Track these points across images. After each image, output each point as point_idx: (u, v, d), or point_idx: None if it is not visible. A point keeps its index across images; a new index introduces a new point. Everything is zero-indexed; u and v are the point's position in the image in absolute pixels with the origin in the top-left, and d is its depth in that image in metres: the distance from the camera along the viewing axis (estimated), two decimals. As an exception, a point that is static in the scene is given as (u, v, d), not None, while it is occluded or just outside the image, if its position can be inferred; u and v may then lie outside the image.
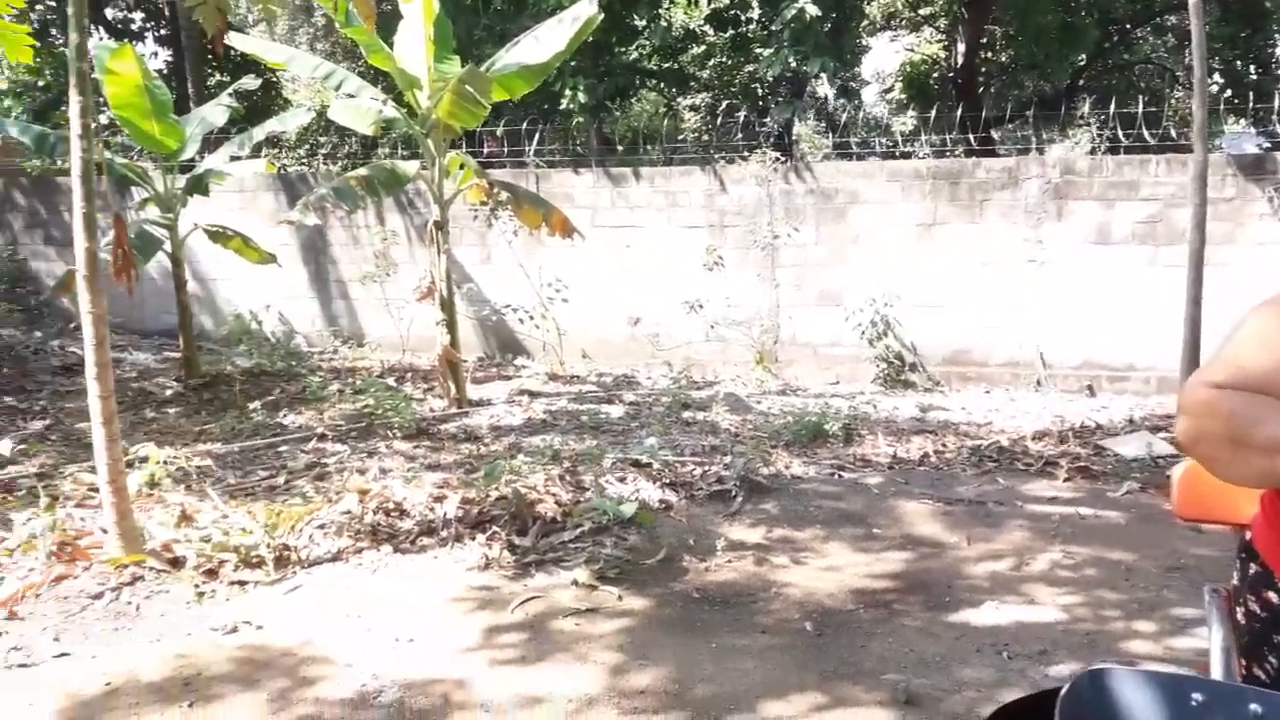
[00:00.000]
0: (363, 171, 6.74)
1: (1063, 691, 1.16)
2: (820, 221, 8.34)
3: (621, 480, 4.76)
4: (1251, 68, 14.98)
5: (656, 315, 8.58)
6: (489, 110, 6.56)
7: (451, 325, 6.85)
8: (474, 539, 4.00)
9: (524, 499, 4.21)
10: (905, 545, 4.15)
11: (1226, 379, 1.30)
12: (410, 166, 7.01)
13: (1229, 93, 14.53)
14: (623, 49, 11.81)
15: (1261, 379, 1.28)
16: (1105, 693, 1.18)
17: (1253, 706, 1.08)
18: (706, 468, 5.08)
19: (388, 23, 7.45)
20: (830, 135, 10.58)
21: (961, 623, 3.38)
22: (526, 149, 9.02)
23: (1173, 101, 14.95)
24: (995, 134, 13.58)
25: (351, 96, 6.87)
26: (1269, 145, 8.13)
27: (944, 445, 5.71)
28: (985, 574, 3.81)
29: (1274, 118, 8.29)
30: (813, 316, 8.37)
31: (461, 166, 7.14)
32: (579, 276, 8.61)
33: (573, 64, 9.71)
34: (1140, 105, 8.35)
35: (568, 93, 10.21)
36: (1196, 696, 1.12)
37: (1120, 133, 8.33)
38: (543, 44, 6.61)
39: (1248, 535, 1.48)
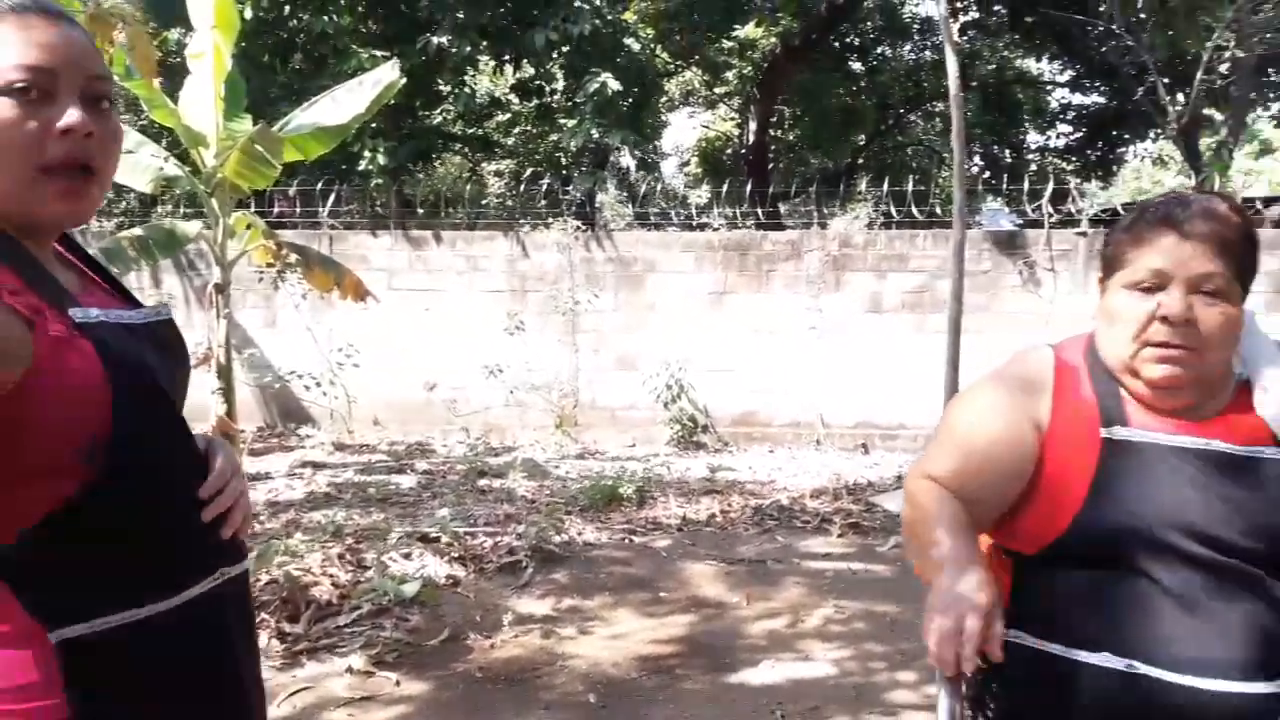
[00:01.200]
0: (137, 231, 6.34)
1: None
2: (620, 288, 8.54)
3: (407, 557, 4.60)
4: (1006, 152, 16.69)
5: (455, 380, 8.47)
6: (279, 170, 6.36)
7: (229, 393, 6.50)
8: (241, 625, 3.75)
9: (297, 582, 4.00)
10: (689, 608, 4.22)
11: (941, 471, 1.43)
12: (192, 226, 6.65)
13: (987, 174, 16.12)
14: (426, 113, 11.78)
15: (980, 457, 1.41)
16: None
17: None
18: (498, 538, 5.01)
19: (176, 76, 7.12)
20: (631, 205, 10.91)
21: (740, 683, 3.46)
22: (321, 209, 8.78)
23: (940, 180, 16.38)
24: (783, 207, 14.40)
25: (130, 152, 6.47)
26: (1021, 223, 9.02)
27: (729, 505, 5.89)
28: (763, 633, 3.93)
29: (1025, 198, 9.20)
30: (611, 380, 8.50)
31: (248, 227, 6.85)
32: (373, 341, 8.39)
33: (373, 125, 9.58)
34: (910, 184, 9.09)
35: (367, 154, 10.05)
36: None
37: (893, 209, 9.02)
38: (341, 106, 6.49)
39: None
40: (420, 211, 10.08)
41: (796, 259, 8.47)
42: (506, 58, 10.66)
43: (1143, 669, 1.27)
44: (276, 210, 9.11)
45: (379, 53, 9.14)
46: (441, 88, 11.14)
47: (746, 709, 3.26)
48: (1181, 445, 1.33)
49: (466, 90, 10.72)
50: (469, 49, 9.49)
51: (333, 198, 8.82)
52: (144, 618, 1.06)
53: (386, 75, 6.52)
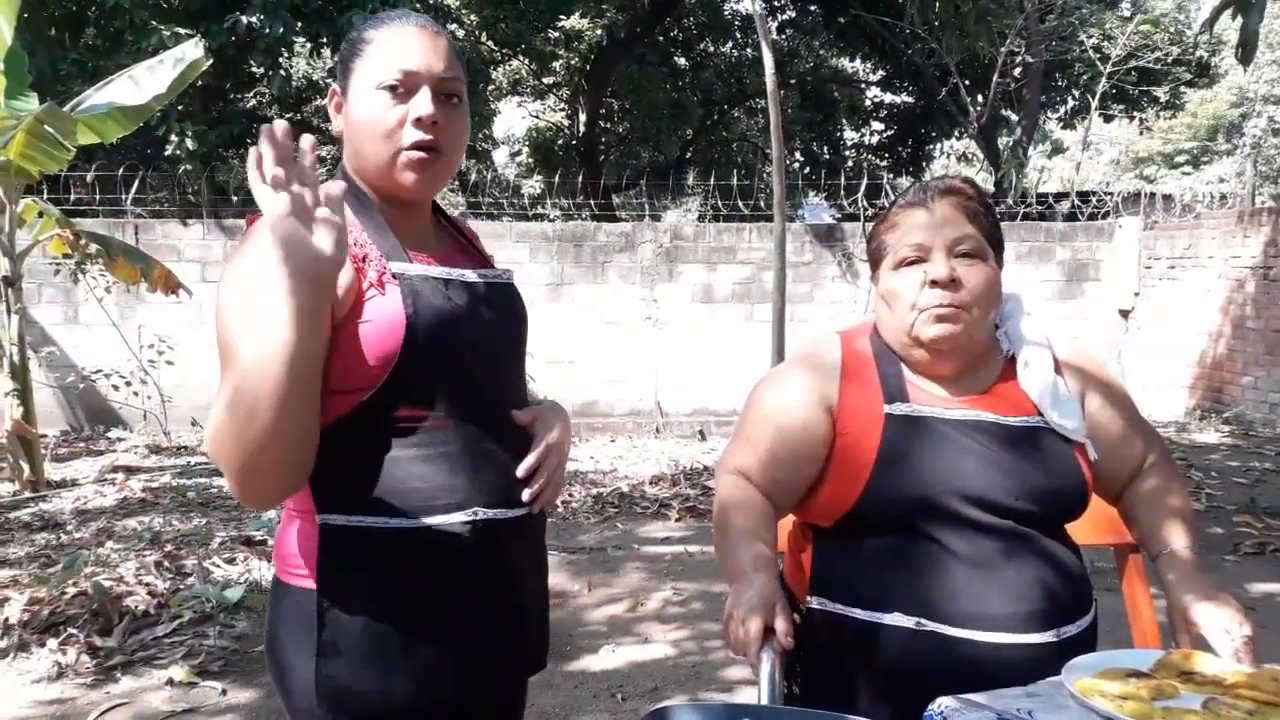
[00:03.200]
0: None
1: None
2: (450, 279, 8.38)
3: (231, 561, 4.38)
4: (825, 149, 17.43)
5: (279, 377, 8.08)
6: (73, 153, 5.88)
7: (25, 395, 5.97)
8: (44, 645, 3.47)
9: (109, 593, 3.73)
10: (531, 599, 4.22)
11: (745, 464, 1.53)
12: (-30, 215, 6.06)
13: (808, 169, 16.79)
14: (238, 96, 11.16)
15: (768, 450, 1.50)
16: (665, 729, 1.26)
17: (790, 724, 1.21)
18: (330, 537, 4.84)
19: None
20: (463, 194, 10.73)
21: (580, 670, 3.48)
22: (124, 197, 8.18)
23: (764, 175, 16.95)
24: (616, 199, 14.54)
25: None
26: (840, 217, 9.46)
27: (571, 495, 5.92)
28: (604, 619, 3.97)
29: (843, 192, 9.66)
30: (446, 374, 8.35)
31: (40, 215, 6.31)
32: (189, 337, 7.89)
33: (180, 108, 9.00)
34: (736, 178, 9.37)
35: (174, 138, 9.42)
36: (745, 721, 1.23)
37: (720, 203, 9.27)
38: (141, 85, 6.06)
39: (781, 564, 1.67)
40: (235, 199, 9.55)
41: (631, 250, 8.58)
42: (324, 40, 10.22)
43: (930, 626, 1.38)
44: (74, 198, 8.43)
45: (182, 30, 8.57)
46: (254, 69, 10.58)
47: (587, 695, 3.29)
48: (957, 418, 1.45)
49: (281, 73, 10.22)
50: (282, 29, 9.03)
51: (136, 184, 8.24)
52: (391, 527, 1.25)
53: (190, 53, 6.14)
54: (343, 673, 1.27)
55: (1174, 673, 1.26)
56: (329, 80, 13.13)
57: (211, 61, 6.70)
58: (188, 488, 6.04)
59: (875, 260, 1.54)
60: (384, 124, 1.29)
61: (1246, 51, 3.58)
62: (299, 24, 9.58)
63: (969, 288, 1.44)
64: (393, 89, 1.29)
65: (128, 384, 7.73)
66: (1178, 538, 1.48)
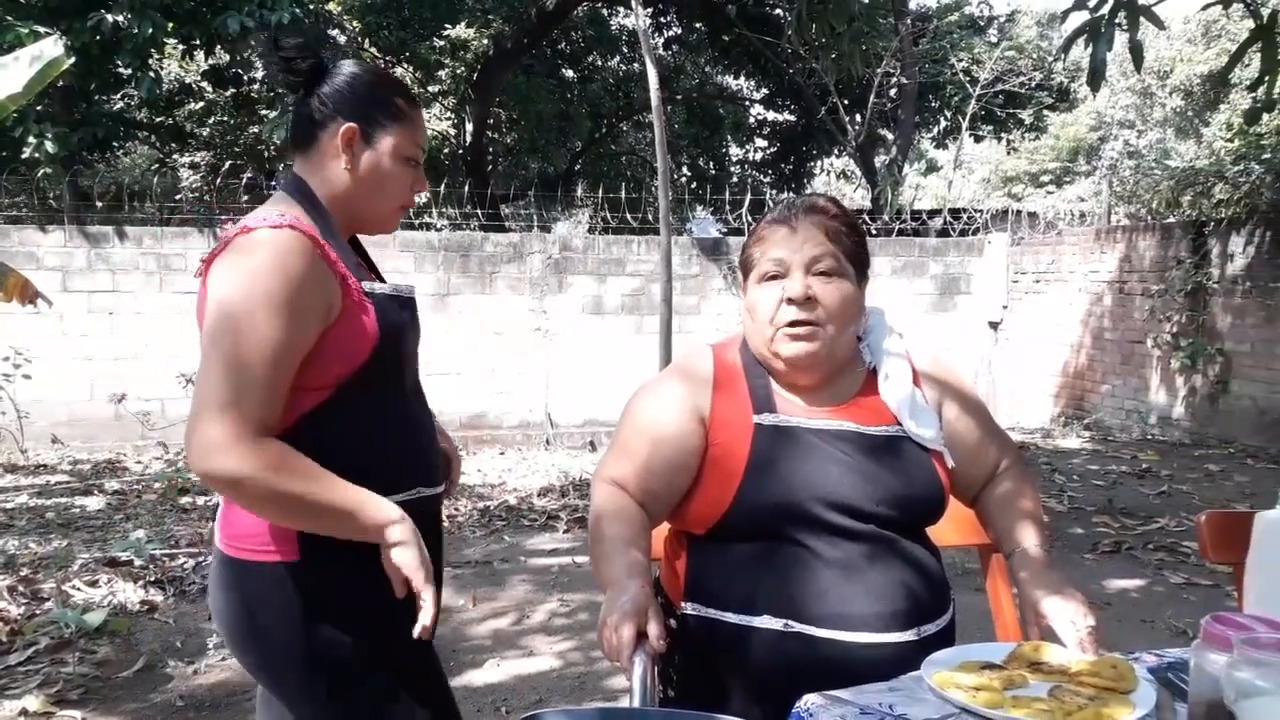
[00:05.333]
0: None
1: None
2: (332, 290, 8.17)
3: (93, 584, 4.16)
4: (711, 164, 17.72)
5: (148, 390, 7.74)
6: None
7: None
8: (-120, 680, 3.22)
9: (-46, 621, 3.50)
10: (414, 615, 4.14)
11: (620, 474, 1.55)
12: None
13: (694, 184, 17.04)
14: (104, 97, 10.65)
15: (643, 460, 1.53)
16: (539, 737, 1.26)
17: (654, 724, 1.23)
18: (202, 558, 4.64)
19: None
20: (344, 203, 10.47)
21: (464, 685, 3.44)
22: (-24, 201, 7.70)
23: (652, 189, 17.09)
24: (505, 209, 14.45)
25: None
26: (726, 231, 9.63)
27: (457, 510, 5.83)
28: (489, 633, 3.93)
29: (728, 207, 9.84)
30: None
31: (-122, 219, 5.89)
32: (48, 349, 7.48)
33: (39, 109, 8.53)
34: (625, 191, 9.44)
35: (32, 140, 8.91)
36: (616, 725, 1.25)
37: (609, 215, 9.31)
38: (-7, 83, 5.71)
39: (658, 572, 1.69)
40: (100, 205, 9.09)
41: (520, 261, 8.53)
42: (196, 42, 9.83)
43: (797, 627, 1.42)
44: (-82, 201, 7.89)
45: (41, 28, 8.13)
46: (121, 70, 10.11)
47: (471, 710, 3.25)
48: (821, 428, 1.51)
49: (151, 74, 9.79)
50: (151, 29, 8.65)
51: (-10, 188, 7.77)
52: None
53: (50, 51, 5.80)
54: (331, 635, 1.43)
55: (1024, 664, 1.33)
56: (202, 84, 12.67)
57: (74, 60, 6.37)
58: (46, 508, 5.71)
59: (744, 273, 1.59)
60: (400, 189, 1.57)
61: (1095, 78, 3.82)
62: (170, 24, 9.19)
63: (825, 305, 1.50)
64: (413, 162, 1.57)
65: (-21, 399, 7.26)
66: (1029, 537, 1.56)
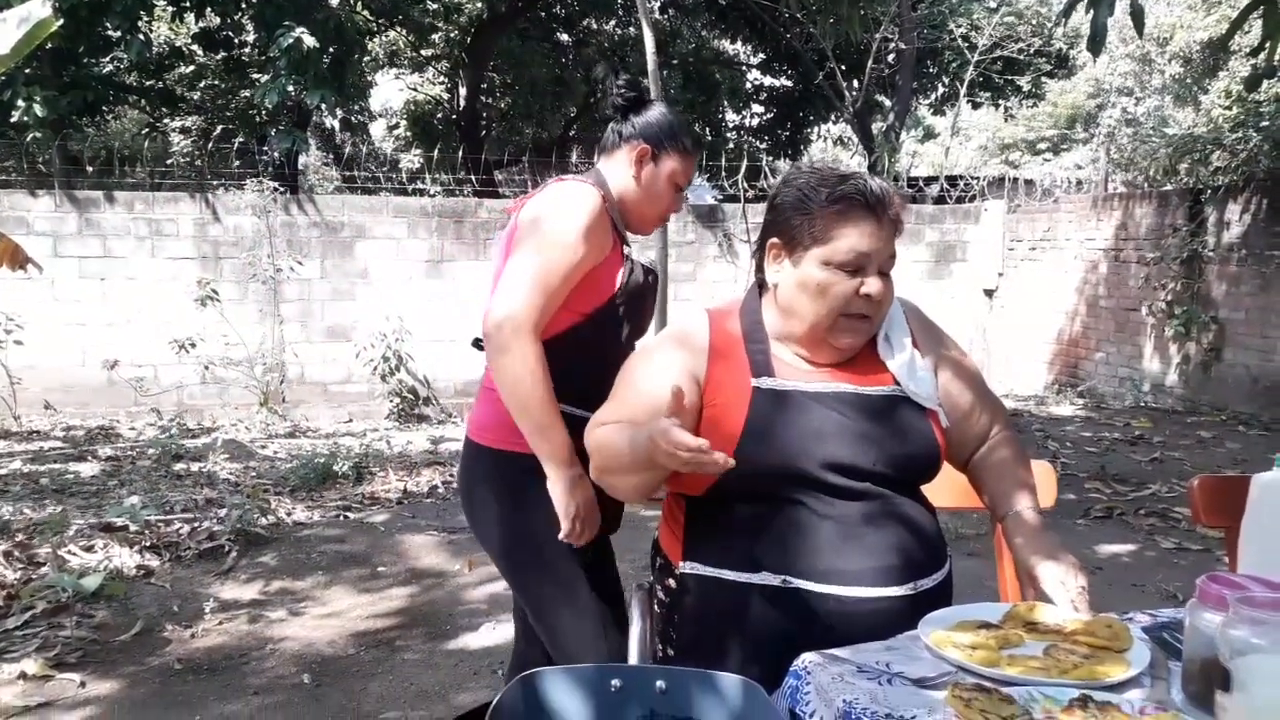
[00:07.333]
0: None
1: (493, 702, 1.22)
2: (327, 255, 8.14)
3: (89, 549, 4.16)
4: (707, 130, 17.57)
5: (141, 356, 7.71)
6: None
7: None
8: (-123, 643, 3.23)
9: (-50, 585, 3.50)
10: (409, 580, 4.15)
11: (608, 414, 1.55)
12: None
13: (690, 150, 16.89)
14: (93, 60, 10.50)
15: (648, 410, 1.50)
16: (536, 695, 1.26)
17: (658, 683, 1.24)
18: (197, 524, 4.65)
19: None
20: (337, 168, 10.39)
21: (460, 648, 3.46)
22: (-36, 166, 7.61)
23: (648, 155, 16.92)
24: (499, 175, 14.35)
25: None
26: (721, 198, 9.58)
27: (452, 475, 5.84)
28: (484, 596, 3.95)
29: (724, 174, 9.77)
30: (321, 353, 8.12)
31: None
32: (38, 315, 7.43)
33: (28, 71, 8.41)
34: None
35: (21, 103, 8.80)
36: (615, 682, 1.25)
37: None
38: (-21, 45, 5.63)
39: (658, 533, 1.70)
40: (90, 170, 9.01)
41: (511, 227, 8.47)
42: (186, 4, 9.69)
43: (795, 582, 1.44)
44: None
45: (30, -12, 7.99)
46: (110, 32, 9.97)
47: (467, 671, 3.28)
48: (819, 390, 1.52)
49: (141, 37, 9.65)
50: (140, -8, 8.53)
51: (-21, 152, 7.68)
52: (577, 415, 1.76)
53: (37, 12, 5.69)
54: (541, 523, 1.80)
55: (1020, 623, 1.34)
56: (192, 47, 12.52)
57: (62, 22, 6.27)
58: (40, 474, 5.71)
59: (795, 239, 1.53)
60: (666, 204, 1.97)
61: (1095, 43, 3.77)
62: (159, -14, 9.07)
63: (883, 302, 1.53)
64: (679, 188, 1.96)
65: (-29, 366, 7.23)
66: (1022, 501, 1.56)
